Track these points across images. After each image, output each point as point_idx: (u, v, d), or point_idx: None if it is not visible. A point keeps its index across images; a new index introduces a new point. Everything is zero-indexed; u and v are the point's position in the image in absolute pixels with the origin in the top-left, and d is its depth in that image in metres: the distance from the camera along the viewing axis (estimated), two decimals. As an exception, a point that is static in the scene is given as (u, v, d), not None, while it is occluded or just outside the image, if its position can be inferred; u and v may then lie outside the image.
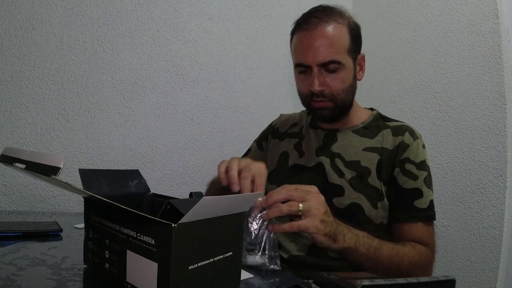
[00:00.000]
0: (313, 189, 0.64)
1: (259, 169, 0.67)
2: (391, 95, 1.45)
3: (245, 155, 1.06)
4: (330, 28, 0.77)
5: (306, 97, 0.83)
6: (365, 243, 0.68)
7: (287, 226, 0.60)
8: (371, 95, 1.53)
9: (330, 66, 0.77)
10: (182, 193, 1.30)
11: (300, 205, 0.60)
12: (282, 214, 0.60)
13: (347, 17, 0.81)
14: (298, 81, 0.85)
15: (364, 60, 0.87)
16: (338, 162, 0.84)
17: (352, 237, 0.67)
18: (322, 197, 0.64)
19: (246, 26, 1.43)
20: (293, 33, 0.84)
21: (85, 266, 0.56)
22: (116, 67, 1.20)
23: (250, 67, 1.45)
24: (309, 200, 0.61)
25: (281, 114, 1.08)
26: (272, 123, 1.06)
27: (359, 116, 0.90)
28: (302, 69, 0.81)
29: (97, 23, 1.17)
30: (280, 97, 1.51)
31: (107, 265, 0.50)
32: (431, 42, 1.31)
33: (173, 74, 1.29)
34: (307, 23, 0.79)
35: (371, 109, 0.94)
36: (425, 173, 0.79)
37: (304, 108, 1.00)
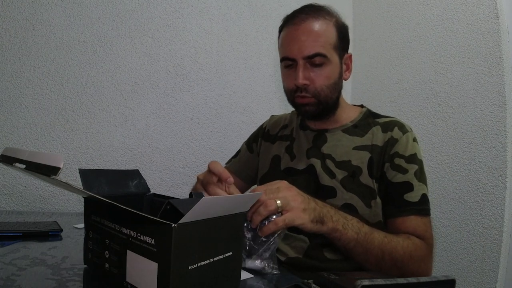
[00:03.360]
0: (283, 183, 0.65)
1: (211, 167, 0.69)
2: (391, 95, 1.45)
3: (235, 156, 1.06)
4: (317, 23, 0.78)
5: (291, 93, 0.83)
6: (354, 227, 0.67)
7: (272, 225, 0.60)
8: (371, 95, 1.53)
9: (315, 60, 0.77)
10: (182, 193, 1.30)
11: (278, 201, 0.60)
12: (263, 217, 0.59)
13: (335, 15, 0.82)
14: (283, 76, 0.85)
15: (351, 60, 0.86)
16: (329, 163, 0.83)
17: (340, 219, 0.67)
18: (294, 188, 0.64)
19: (246, 26, 1.43)
20: (280, 29, 0.84)
21: (85, 266, 0.56)
22: (116, 67, 1.20)
23: (250, 67, 1.45)
24: (283, 196, 0.61)
25: (271, 115, 1.07)
26: (262, 124, 1.06)
27: (348, 114, 0.89)
28: (288, 63, 0.81)
29: (97, 23, 1.17)
30: (280, 97, 1.51)
31: (107, 265, 0.50)
32: (431, 42, 1.31)
33: (173, 74, 1.30)
34: (294, 18, 0.80)
35: (361, 106, 0.93)
36: (416, 167, 0.78)
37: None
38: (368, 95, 1.54)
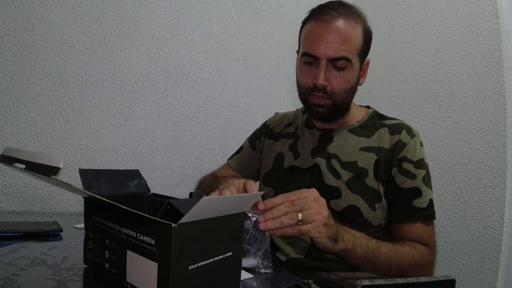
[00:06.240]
0: (312, 194, 0.62)
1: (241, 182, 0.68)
2: (391, 95, 1.45)
3: (237, 152, 1.05)
4: (347, 25, 0.75)
5: (306, 90, 0.80)
6: (363, 244, 0.67)
7: (289, 230, 0.59)
8: (371, 95, 1.53)
9: (339, 63, 0.75)
10: (182, 193, 1.30)
11: (299, 215, 0.59)
12: (283, 227, 0.59)
13: (363, 19, 0.80)
14: (301, 72, 0.82)
15: (368, 66, 0.85)
16: (334, 163, 0.82)
17: (349, 238, 0.66)
18: (322, 201, 0.62)
19: (246, 26, 1.43)
20: (306, 21, 0.81)
21: (85, 266, 0.56)
22: (116, 67, 1.20)
23: (250, 67, 1.45)
24: (309, 208, 0.60)
25: (275, 113, 1.06)
26: (266, 122, 1.05)
27: (355, 115, 0.88)
28: (309, 59, 0.78)
29: (97, 23, 1.17)
30: (280, 97, 1.51)
31: (107, 265, 0.50)
32: (431, 42, 1.31)
33: (173, 74, 1.30)
34: (324, 14, 0.76)
35: (367, 107, 0.92)
36: (424, 172, 0.78)
37: (299, 106, 1.00)
38: (368, 95, 1.54)
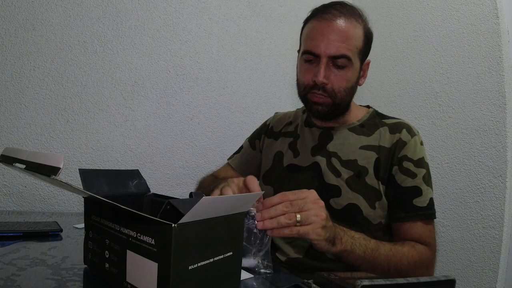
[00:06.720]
0: (311, 195, 0.62)
1: (246, 180, 0.68)
2: (391, 95, 1.45)
3: (237, 152, 1.06)
4: (348, 24, 0.76)
5: (305, 88, 0.81)
6: (361, 245, 0.67)
7: (287, 231, 0.59)
8: (371, 95, 1.53)
9: (339, 61, 0.76)
10: (182, 193, 1.30)
11: (298, 216, 0.59)
12: (281, 226, 0.58)
13: (364, 20, 0.81)
14: (301, 70, 0.82)
15: (368, 67, 0.86)
16: (334, 161, 0.82)
17: (348, 240, 0.66)
18: (321, 203, 0.62)
19: (246, 26, 1.43)
20: (307, 20, 0.82)
21: (85, 266, 0.56)
22: (116, 67, 1.20)
23: (250, 67, 1.45)
24: (308, 210, 0.60)
25: (276, 113, 1.07)
26: (266, 121, 1.05)
27: (355, 114, 0.88)
28: (309, 57, 0.79)
29: (97, 23, 1.17)
30: (280, 97, 1.51)
31: (107, 265, 0.50)
32: (431, 42, 1.31)
33: (173, 74, 1.30)
34: (326, 13, 0.77)
35: (368, 106, 0.93)
36: (424, 171, 0.78)
37: (299, 106, 1.00)
38: (368, 95, 1.54)
